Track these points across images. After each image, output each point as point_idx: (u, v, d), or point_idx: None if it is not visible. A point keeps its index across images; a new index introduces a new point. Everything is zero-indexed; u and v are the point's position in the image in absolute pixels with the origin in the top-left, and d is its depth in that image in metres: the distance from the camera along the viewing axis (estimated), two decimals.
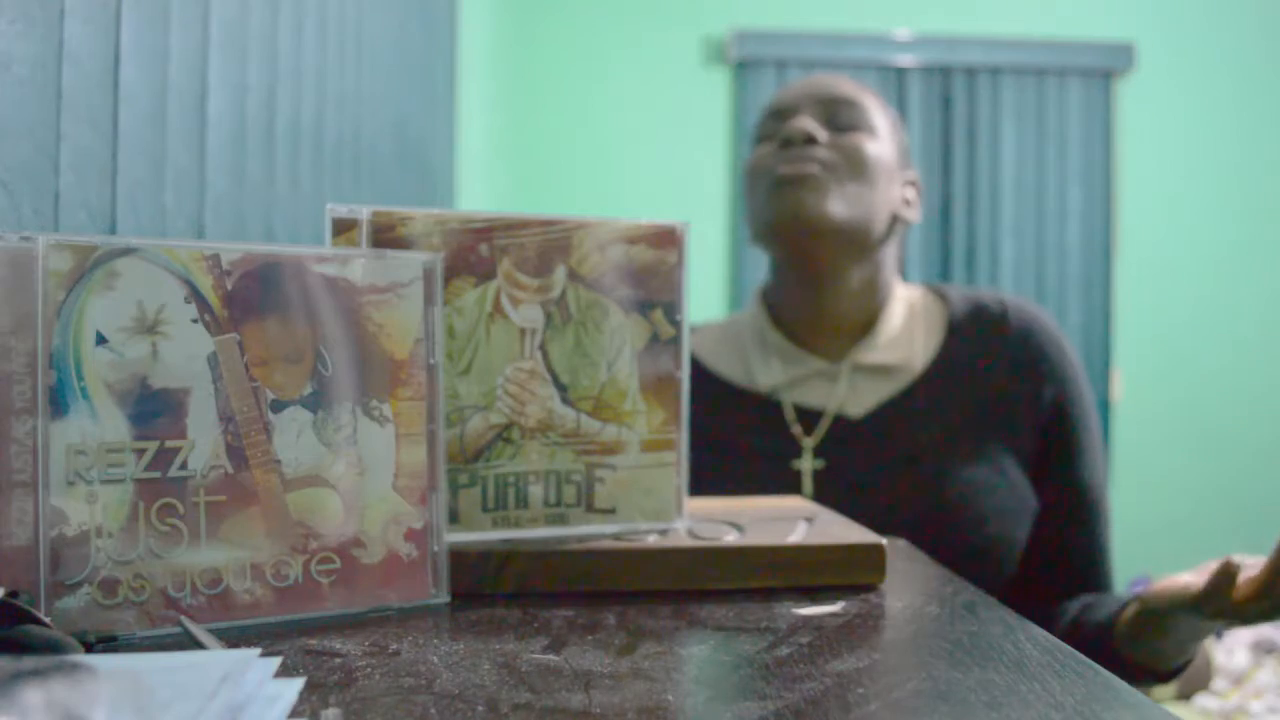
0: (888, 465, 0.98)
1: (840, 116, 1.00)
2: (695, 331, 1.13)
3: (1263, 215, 3.40)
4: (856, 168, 0.98)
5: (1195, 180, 3.39)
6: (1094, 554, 1.03)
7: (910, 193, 1.06)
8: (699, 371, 1.06)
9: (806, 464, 0.99)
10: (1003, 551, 0.97)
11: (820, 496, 0.96)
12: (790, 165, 0.97)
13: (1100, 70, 3.33)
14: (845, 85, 1.03)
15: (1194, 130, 3.38)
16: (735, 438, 1.02)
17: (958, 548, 0.92)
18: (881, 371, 1.02)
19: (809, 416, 1.01)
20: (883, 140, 1.01)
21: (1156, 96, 3.37)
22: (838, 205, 0.96)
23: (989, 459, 0.99)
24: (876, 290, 1.03)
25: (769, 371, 1.04)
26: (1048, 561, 1.01)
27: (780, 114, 1.02)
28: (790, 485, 0.97)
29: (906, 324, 1.04)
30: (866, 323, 1.04)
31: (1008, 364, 1.02)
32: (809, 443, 1.00)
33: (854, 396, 1.02)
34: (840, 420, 1.00)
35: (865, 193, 0.98)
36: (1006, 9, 3.37)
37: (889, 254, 1.04)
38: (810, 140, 0.97)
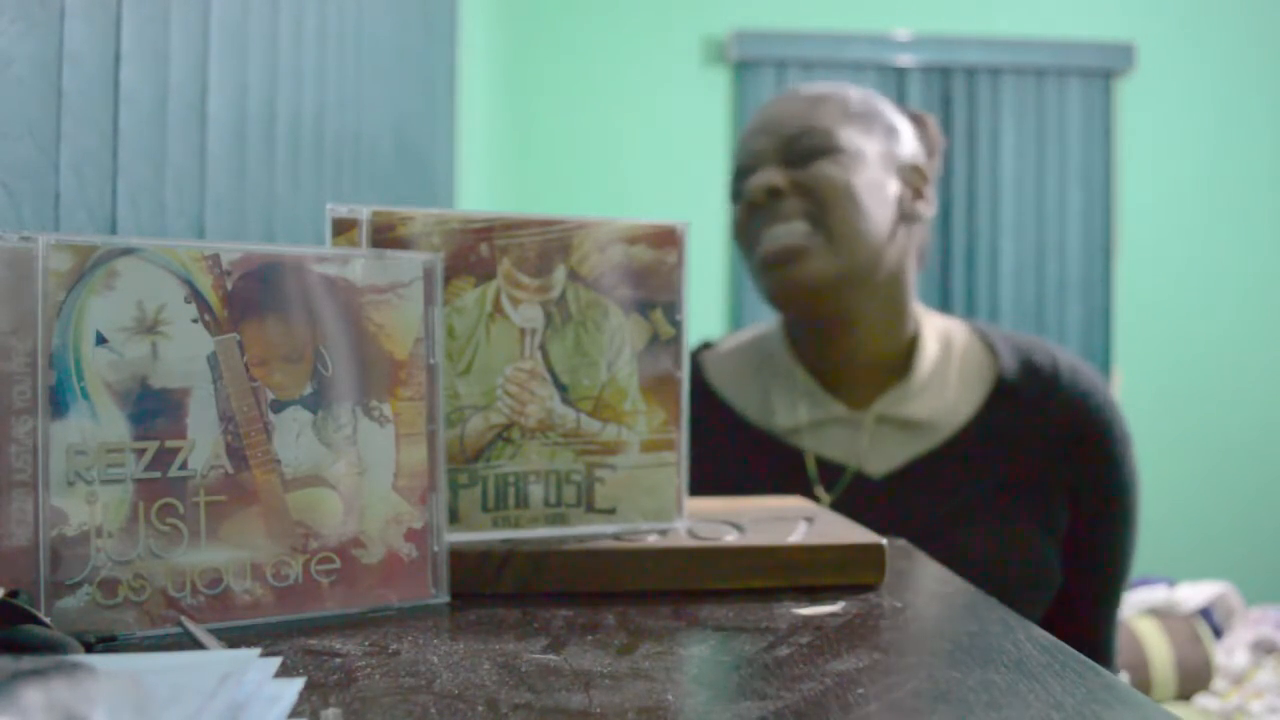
0: (902, 533, 0.90)
1: (798, 150, 0.93)
2: (710, 352, 1.07)
3: (1262, 215, 3.40)
4: (831, 201, 0.91)
5: (1195, 180, 3.39)
6: (1104, 634, 1.00)
7: (915, 184, 0.98)
8: (716, 404, 1.01)
9: None
10: None
11: None
12: (768, 243, 0.92)
13: (1100, 70, 3.33)
14: (796, 112, 0.96)
15: (1194, 130, 3.38)
16: (749, 486, 0.95)
17: None
18: (910, 426, 0.96)
19: (828, 470, 0.96)
20: (853, 153, 0.93)
21: (1156, 96, 3.37)
22: (828, 261, 0.91)
23: (1015, 534, 0.93)
24: (902, 318, 0.97)
25: (791, 413, 0.98)
26: (1058, 634, 0.99)
27: (744, 171, 0.97)
28: None
29: (940, 368, 0.98)
30: (897, 362, 0.98)
31: (1052, 436, 0.95)
32: (825, 499, 0.95)
33: (876, 452, 0.96)
34: (859, 479, 0.95)
35: (853, 222, 0.92)
36: (1006, 9, 3.37)
37: (907, 266, 0.97)
38: (775, 193, 0.92)
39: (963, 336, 1.01)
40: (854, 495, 0.95)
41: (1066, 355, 1.00)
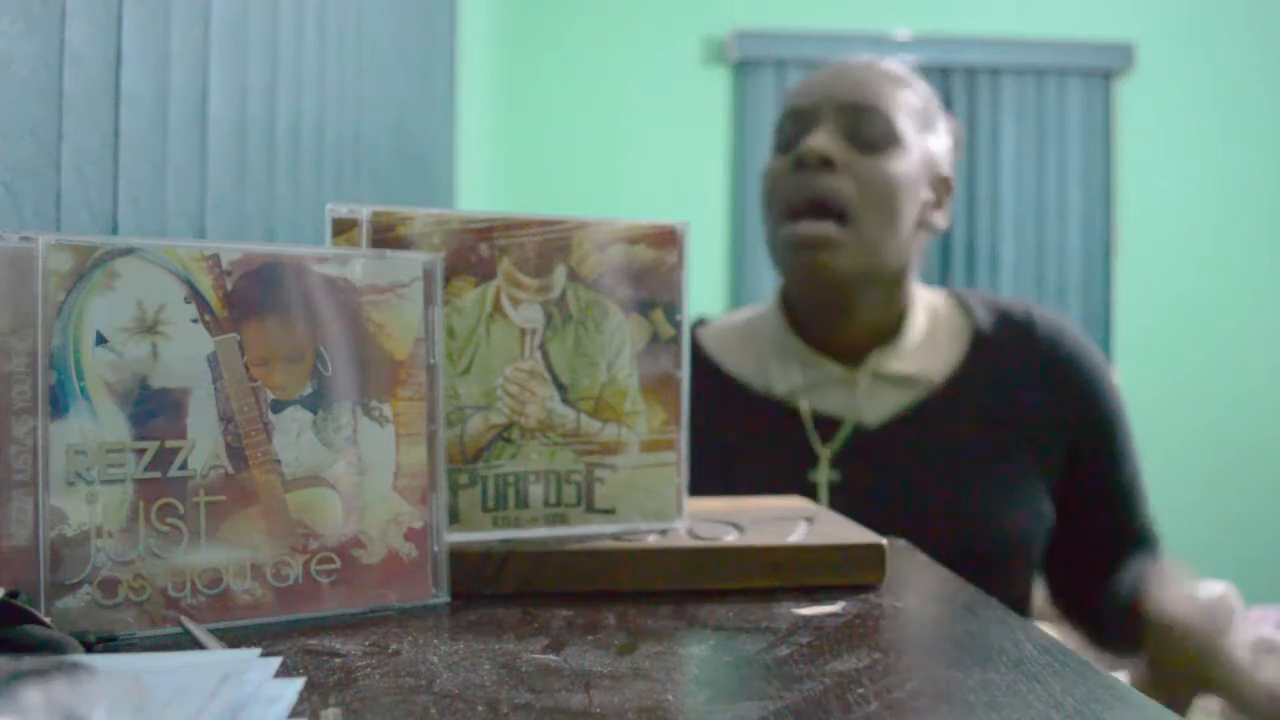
0: (903, 478, 0.96)
1: (862, 130, 0.94)
2: (707, 327, 1.09)
3: (1262, 215, 3.40)
4: (875, 197, 0.93)
5: (1195, 180, 3.39)
6: (1139, 528, 1.03)
7: (939, 195, 1.01)
8: (713, 372, 1.03)
9: (823, 476, 0.96)
10: (1019, 566, 0.96)
11: (835, 509, 0.95)
12: (806, 226, 0.93)
13: (1100, 70, 3.33)
14: (870, 86, 0.96)
15: (1194, 130, 3.38)
16: (750, 445, 0.99)
17: (973, 563, 0.91)
18: (901, 381, 0.99)
19: (826, 424, 0.99)
20: (907, 150, 0.96)
21: (1156, 96, 3.37)
22: (853, 258, 0.93)
23: (1008, 474, 0.97)
24: (899, 299, 1.00)
25: (786, 376, 1.01)
26: (1097, 543, 1.01)
27: (799, 117, 0.97)
28: (805, 497, 0.96)
29: (929, 333, 1.02)
30: (888, 330, 1.01)
31: (1035, 376, 1.00)
32: (826, 453, 0.97)
33: (872, 404, 0.99)
34: (858, 430, 0.98)
35: (885, 221, 0.94)
36: (1006, 9, 3.37)
37: (913, 262, 1.00)
38: (826, 162, 0.93)
39: (942, 304, 1.05)
40: (853, 446, 0.98)
41: (1039, 305, 1.05)
